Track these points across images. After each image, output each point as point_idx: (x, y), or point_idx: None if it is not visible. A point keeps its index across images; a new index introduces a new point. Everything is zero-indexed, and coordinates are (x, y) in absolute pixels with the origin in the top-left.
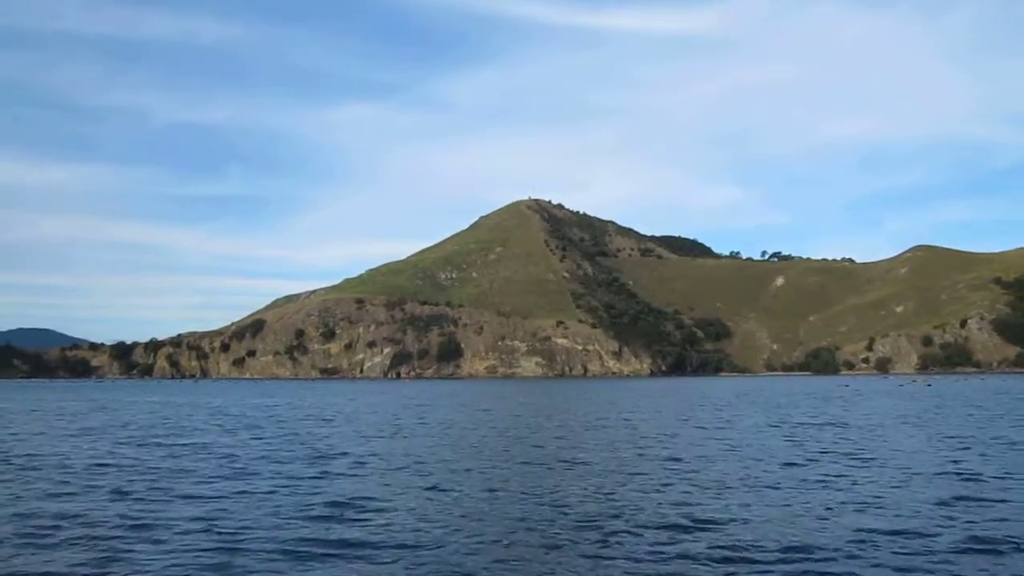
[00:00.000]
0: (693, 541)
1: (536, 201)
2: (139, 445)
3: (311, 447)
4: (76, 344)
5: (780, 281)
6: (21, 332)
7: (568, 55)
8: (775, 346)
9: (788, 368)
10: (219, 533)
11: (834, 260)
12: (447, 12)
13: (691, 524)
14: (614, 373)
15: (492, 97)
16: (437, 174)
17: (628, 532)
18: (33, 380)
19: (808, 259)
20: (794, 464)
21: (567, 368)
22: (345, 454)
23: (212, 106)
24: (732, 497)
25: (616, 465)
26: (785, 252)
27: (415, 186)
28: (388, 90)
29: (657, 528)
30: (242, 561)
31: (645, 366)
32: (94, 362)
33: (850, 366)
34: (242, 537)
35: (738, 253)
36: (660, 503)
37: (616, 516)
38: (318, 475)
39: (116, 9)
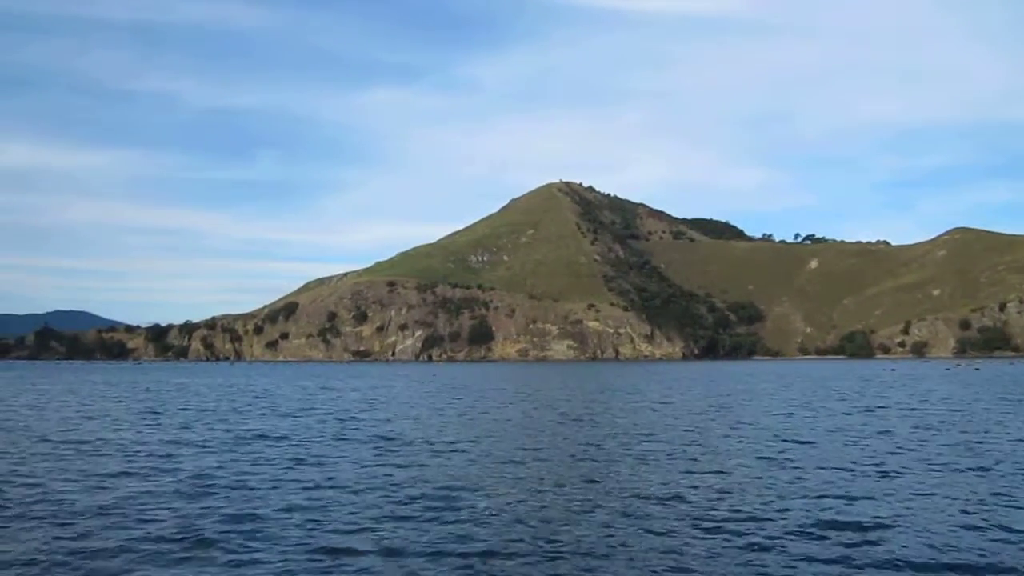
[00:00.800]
0: (858, 552)
1: (567, 184)
2: (208, 429)
3: (378, 433)
4: (112, 327)
5: (814, 264)
6: (58, 314)
7: (597, 37)
8: (808, 329)
9: (822, 352)
10: (323, 532)
11: (869, 243)
12: None
13: (845, 528)
14: (646, 356)
15: (521, 79)
16: (466, 157)
17: (779, 539)
18: (71, 362)
19: (842, 242)
20: (901, 451)
21: (599, 351)
22: (426, 441)
23: (242, 91)
24: (865, 494)
25: (715, 456)
26: (818, 235)
27: (444, 169)
28: (416, 73)
29: (802, 535)
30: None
31: (677, 349)
32: (130, 344)
33: (885, 350)
34: (348, 535)
35: (771, 236)
36: (802, 498)
37: (753, 519)
38: (403, 464)
39: None
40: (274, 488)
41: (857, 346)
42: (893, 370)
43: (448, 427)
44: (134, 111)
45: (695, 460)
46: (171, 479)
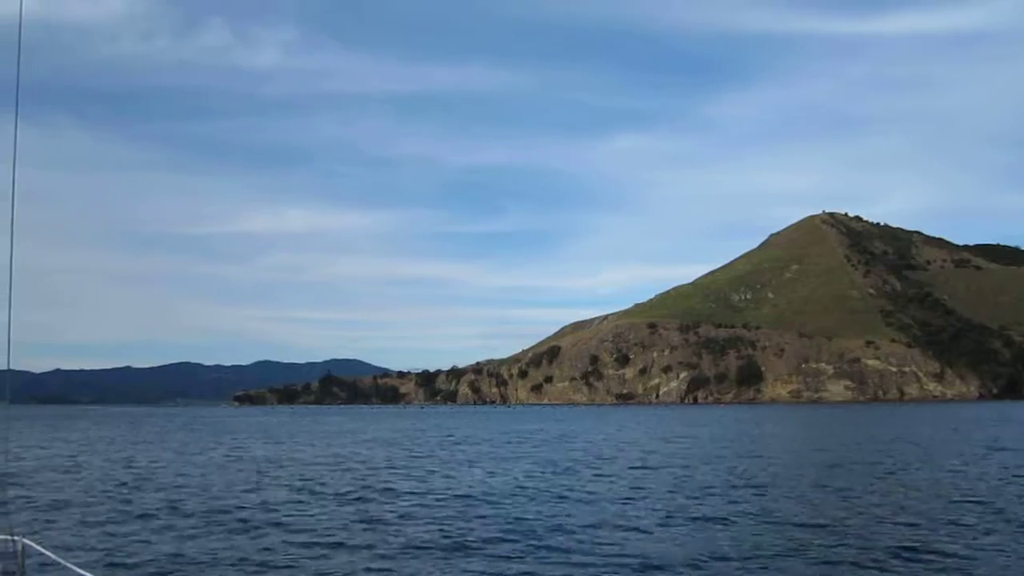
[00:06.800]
0: None
1: (831, 215)
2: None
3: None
4: (385, 373)
5: None
6: (335, 363)
7: (844, 64)
8: None
9: None
10: None
11: None
12: (709, 36)
13: None
14: (935, 397)
15: (767, 114)
16: (716, 196)
17: None
18: (351, 406)
19: None
20: None
21: (880, 392)
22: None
23: (490, 148)
24: None
25: None
26: None
27: (694, 209)
28: (657, 118)
29: None
30: None
31: (972, 388)
32: (402, 389)
33: None
34: None
35: None
36: None
37: None
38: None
39: (403, 68)
40: None
41: None
42: None
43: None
44: (395, 174)
45: None
46: None
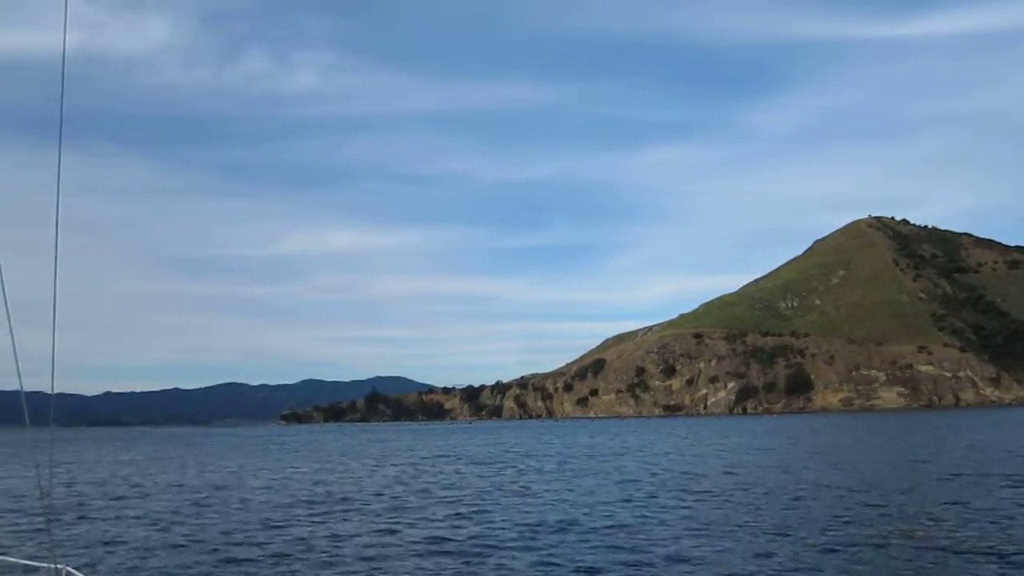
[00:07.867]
0: None
1: (877, 219)
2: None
3: None
4: (431, 389)
5: None
6: (379, 380)
7: (881, 68)
8: None
9: None
10: None
11: None
12: (746, 44)
13: None
14: (992, 402)
15: (806, 121)
16: (757, 204)
17: None
18: (398, 423)
19: None
20: None
21: (935, 398)
22: None
23: (530, 163)
24: None
25: None
26: None
27: (737, 217)
28: (696, 127)
29: None
30: None
31: None
32: (447, 405)
33: None
34: None
35: None
36: None
37: None
38: None
39: (441, 86)
40: None
41: None
42: None
43: None
44: (436, 192)
45: None
46: None
